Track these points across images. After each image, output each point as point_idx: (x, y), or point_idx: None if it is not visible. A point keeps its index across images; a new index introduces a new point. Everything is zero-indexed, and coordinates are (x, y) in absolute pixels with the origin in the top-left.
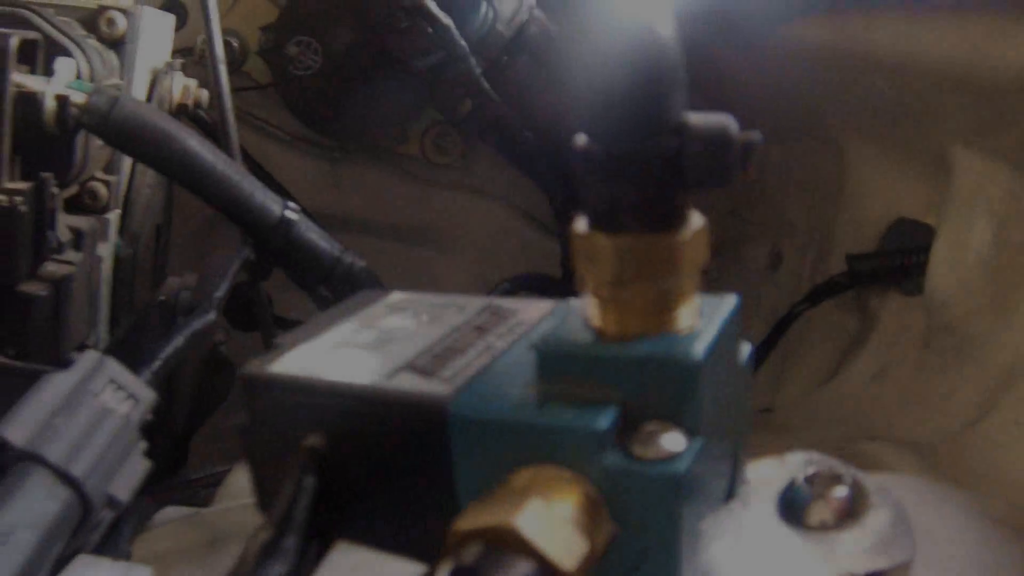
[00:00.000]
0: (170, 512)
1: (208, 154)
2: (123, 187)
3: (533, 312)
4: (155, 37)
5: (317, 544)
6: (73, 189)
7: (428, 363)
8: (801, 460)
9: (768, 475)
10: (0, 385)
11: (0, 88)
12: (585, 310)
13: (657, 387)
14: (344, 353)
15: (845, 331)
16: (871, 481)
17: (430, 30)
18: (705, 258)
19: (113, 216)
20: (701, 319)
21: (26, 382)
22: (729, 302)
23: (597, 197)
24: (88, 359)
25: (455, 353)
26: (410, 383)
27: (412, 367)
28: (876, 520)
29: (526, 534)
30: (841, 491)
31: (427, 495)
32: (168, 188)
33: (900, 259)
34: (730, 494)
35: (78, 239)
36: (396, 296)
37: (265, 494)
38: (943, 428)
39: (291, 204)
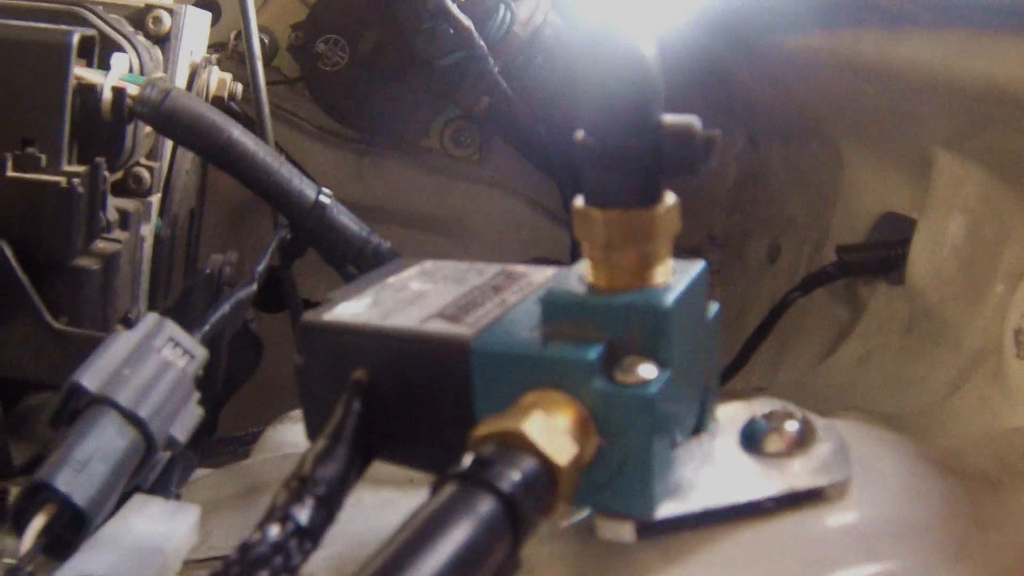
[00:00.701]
0: (201, 473)
1: (250, 142)
2: (163, 172)
3: (540, 275)
4: (195, 33)
5: (360, 459)
6: (119, 174)
7: (454, 312)
8: (762, 402)
9: (733, 414)
10: (57, 347)
11: (62, 80)
12: (582, 270)
13: (635, 328)
14: (385, 305)
15: (837, 318)
16: (819, 420)
17: (452, 31)
18: (677, 228)
19: (155, 199)
20: (673, 277)
21: (78, 346)
22: (698, 265)
23: (592, 180)
24: (150, 320)
25: (476, 305)
26: (439, 326)
27: (441, 315)
28: (820, 449)
29: (530, 436)
30: (792, 425)
31: (452, 416)
32: (202, 174)
33: (885, 251)
34: (700, 428)
35: (124, 220)
36: (428, 263)
37: (314, 426)
38: (919, 406)
39: (325, 189)
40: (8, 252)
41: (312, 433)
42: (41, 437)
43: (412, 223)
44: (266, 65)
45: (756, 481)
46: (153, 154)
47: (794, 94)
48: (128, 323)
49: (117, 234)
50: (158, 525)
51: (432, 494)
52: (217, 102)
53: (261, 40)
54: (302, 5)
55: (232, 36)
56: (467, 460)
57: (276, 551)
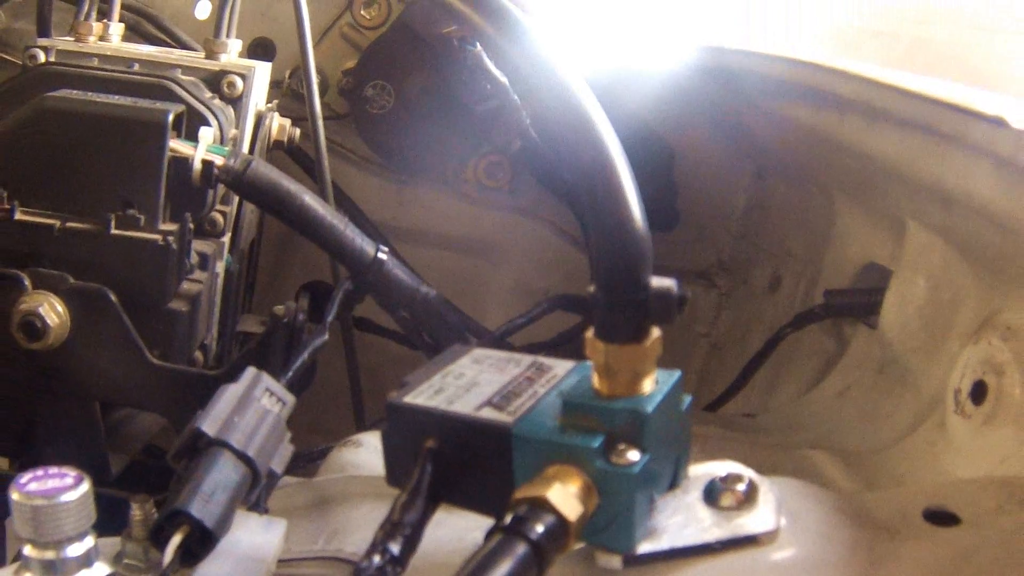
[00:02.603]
0: None
1: (319, 207)
2: (233, 214)
3: (561, 369)
4: (259, 86)
5: (432, 505)
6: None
7: (499, 402)
8: (721, 465)
9: (699, 473)
10: (152, 378)
11: (160, 152)
12: (590, 377)
13: (626, 425)
14: (448, 391)
15: (824, 351)
16: (764, 481)
17: (488, 87)
18: (659, 354)
19: (226, 239)
20: (656, 386)
21: (169, 377)
22: (675, 375)
23: (599, 320)
24: (250, 374)
25: (515, 396)
26: (489, 414)
27: (490, 403)
28: (761, 505)
29: (552, 501)
30: (742, 486)
31: (497, 475)
32: (261, 212)
33: (866, 297)
34: (674, 483)
35: (203, 261)
36: (477, 352)
37: (394, 474)
38: (881, 442)
39: (382, 247)
40: (113, 298)
41: (391, 479)
42: (127, 450)
43: (447, 246)
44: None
45: (711, 527)
46: (225, 199)
47: (791, 145)
48: (205, 349)
49: (198, 275)
50: (257, 537)
51: (486, 540)
52: (278, 145)
53: None
54: (350, 46)
55: (287, 75)
56: (508, 517)
57: (379, 573)
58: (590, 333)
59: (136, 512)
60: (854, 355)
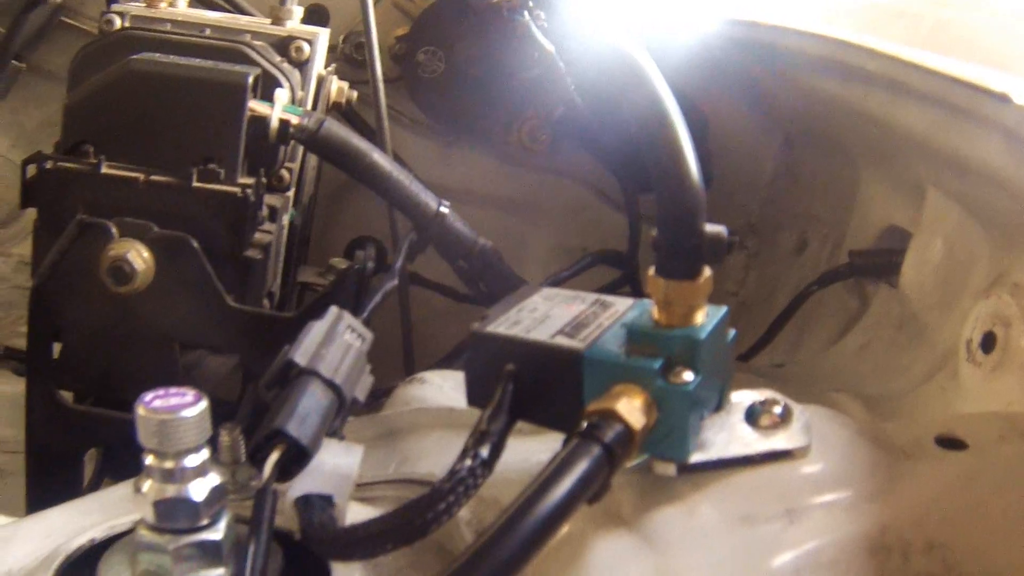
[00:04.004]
0: None
1: (387, 164)
2: (296, 171)
3: (622, 305)
4: (322, 52)
5: (512, 420)
6: None
7: (570, 331)
8: (760, 392)
9: (741, 399)
10: (230, 321)
11: (240, 112)
12: (649, 307)
13: (682, 350)
14: (524, 323)
15: (847, 309)
16: (796, 406)
17: (535, 54)
18: (710, 289)
19: (291, 193)
20: (706, 319)
21: (244, 319)
22: (722, 310)
23: (660, 260)
24: (333, 312)
25: (584, 326)
26: (562, 341)
27: (562, 332)
28: (794, 426)
29: (620, 411)
30: (778, 409)
31: (568, 395)
32: (319, 168)
33: (887, 258)
34: (719, 407)
35: (272, 213)
36: (546, 290)
37: (474, 396)
38: (898, 391)
39: (444, 201)
40: (195, 245)
41: (471, 400)
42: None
43: (490, 205)
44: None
45: (751, 443)
46: (291, 156)
47: (819, 115)
48: (271, 297)
49: (268, 226)
50: (340, 458)
51: (564, 444)
52: (336, 107)
53: (362, 43)
54: (400, 14)
55: (340, 40)
56: (583, 425)
57: (470, 474)
58: (651, 271)
59: (224, 438)
60: (875, 312)
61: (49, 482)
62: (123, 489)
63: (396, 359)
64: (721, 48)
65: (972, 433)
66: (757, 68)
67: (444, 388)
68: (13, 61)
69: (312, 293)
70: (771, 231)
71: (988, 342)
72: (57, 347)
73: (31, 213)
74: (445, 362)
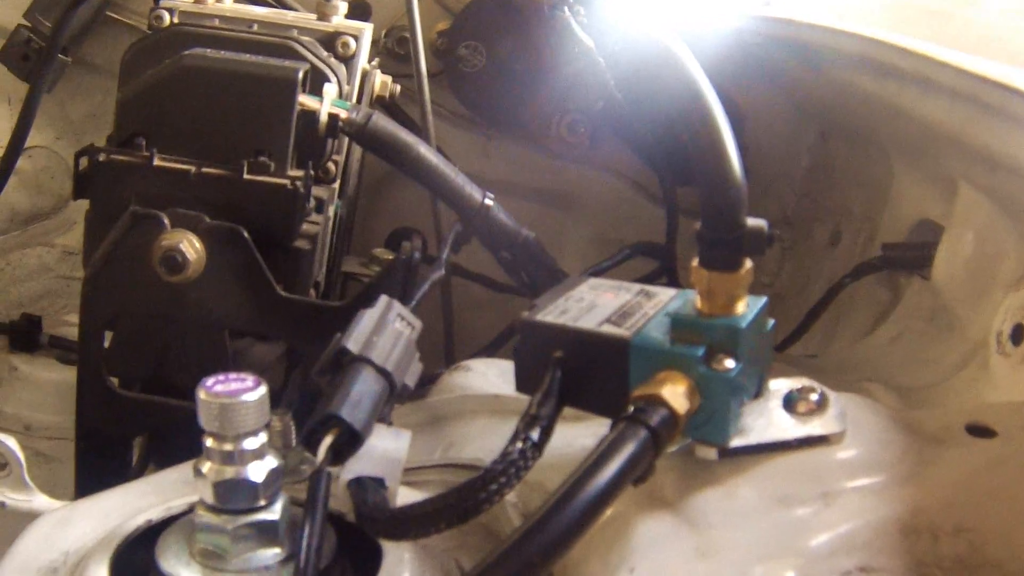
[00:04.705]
0: None
1: (433, 157)
2: (343, 163)
3: (665, 295)
4: (366, 47)
5: (560, 405)
6: None
7: (617, 319)
8: (799, 379)
9: (779, 386)
10: (279, 310)
11: (291, 106)
12: (693, 298)
13: (724, 339)
14: (571, 312)
15: (880, 301)
16: (832, 393)
17: (575, 49)
18: (751, 280)
19: (336, 185)
20: (747, 309)
21: (293, 308)
22: (762, 300)
23: (704, 252)
24: (384, 301)
25: (629, 315)
26: (609, 329)
27: (608, 320)
28: (830, 412)
29: (665, 396)
30: (814, 396)
31: (614, 382)
32: (362, 161)
33: (919, 251)
34: (759, 394)
35: (320, 205)
36: (592, 280)
37: (522, 382)
38: (929, 381)
39: (489, 194)
40: (246, 235)
41: (520, 387)
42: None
43: (530, 197)
44: (410, 60)
45: (789, 428)
46: (337, 149)
47: (854, 111)
48: (317, 286)
49: (315, 217)
50: (389, 443)
51: (613, 427)
52: (380, 101)
53: (405, 38)
54: (441, 9)
55: (383, 34)
56: (630, 409)
57: (521, 456)
58: (695, 262)
59: (275, 423)
60: (907, 304)
61: (98, 467)
62: (178, 472)
63: (437, 348)
64: (756, 44)
65: (1001, 421)
66: (792, 65)
67: (488, 376)
68: (60, 55)
69: (355, 282)
70: (806, 224)
71: (1018, 333)
72: (107, 335)
73: (75, 204)
74: (488, 350)
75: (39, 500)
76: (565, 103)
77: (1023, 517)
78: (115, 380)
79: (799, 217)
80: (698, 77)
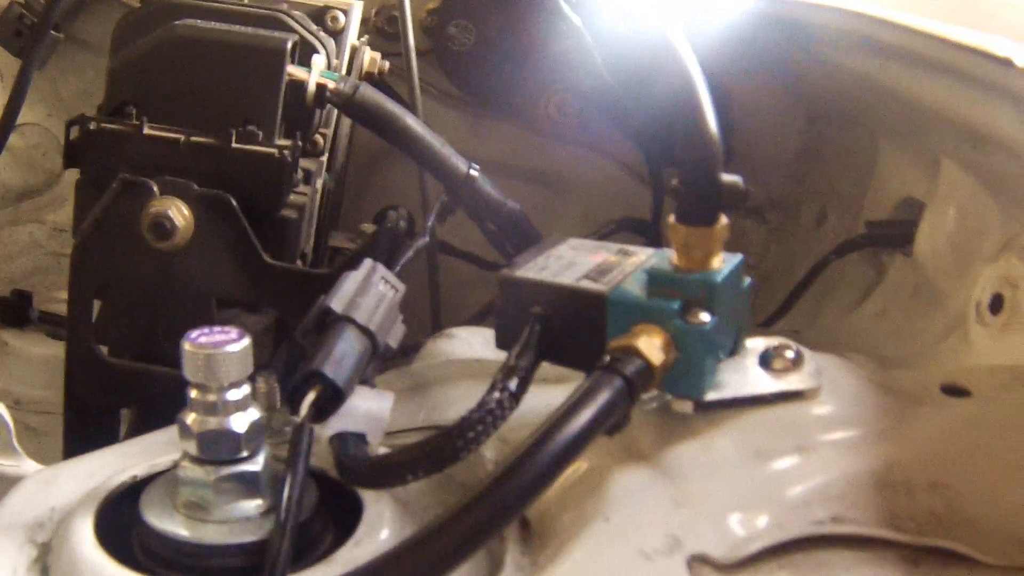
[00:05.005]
0: None
1: (419, 127)
2: (331, 136)
3: (643, 255)
4: (356, 22)
5: (537, 359)
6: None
7: (595, 275)
8: (773, 339)
9: (756, 344)
10: (267, 277)
11: (279, 76)
12: (670, 255)
13: (700, 292)
14: (551, 268)
15: (865, 279)
16: (807, 351)
17: (563, 27)
18: (727, 236)
19: (324, 158)
20: (723, 264)
21: (280, 276)
22: (738, 257)
23: (680, 207)
24: (368, 263)
25: (607, 271)
26: (587, 284)
27: (587, 276)
28: (805, 370)
29: (641, 348)
30: (790, 353)
31: (591, 336)
32: (351, 135)
33: (902, 228)
34: (735, 351)
35: (307, 177)
36: (573, 240)
37: (503, 340)
38: (913, 353)
39: (474, 164)
40: (234, 203)
41: (500, 343)
42: None
43: (519, 176)
44: (399, 38)
45: (765, 384)
46: (325, 122)
47: (839, 89)
48: (304, 258)
49: (302, 188)
50: (372, 403)
51: (587, 377)
52: (369, 77)
53: (394, 17)
54: None
55: (373, 12)
56: (606, 358)
57: (498, 405)
58: (672, 218)
59: (260, 385)
60: (891, 281)
61: (86, 436)
62: (163, 434)
63: (424, 323)
64: (746, 25)
65: (976, 383)
66: (781, 44)
67: (472, 343)
68: (52, 31)
69: (343, 257)
70: (793, 206)
71: (996, 303)
72: (96, 306)
73: (67, 181)
74: (472, 321)
75: (27, 465)
76: (554, 83)
77: (998, 474)
78: (104, 350)
79: (786, 199)
80: (676, 41)
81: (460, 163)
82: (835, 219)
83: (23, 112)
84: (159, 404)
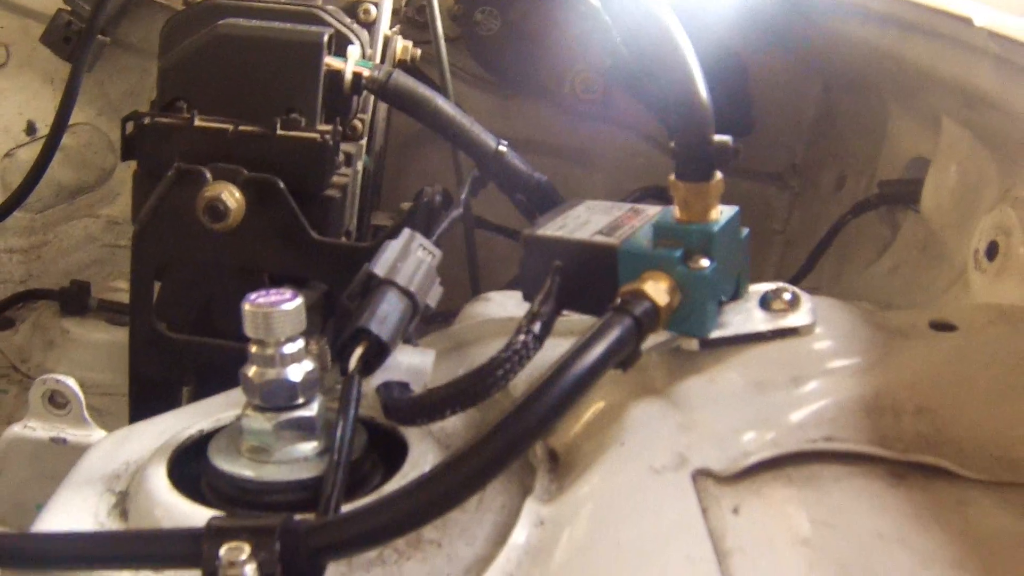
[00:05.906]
0: None
1: (450, 108)
2: (369, 121)
3: (652, 211)
4: (387, 14)
5: (558, 307)
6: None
7: (608, 231)
8: (772, 284)
9: (756, 288)
10: (313, 252)
11: (318, 67)
12: (674, 210)
13: (700, 241)
14: (569, 227)
15: (881, 238)
16: (804, 294)
17: (582, 8)
18: (722, 190)
19: (364, 141)
20: (721, 216)
21: (326, 251)
22: (734, 209)
23: (678, 166)
24: (406, 233)
25: (619, 227)
26: (600, 238)
27: (600, 232)
28: (802, 309)
29: (648, 291)
30: (788, 295)
31: (605, 284)
32: (388, 120)
33: (913, 186)
34: (737, 295)
35: (348, 159)
36: (589, 202)
37: (527, 292)
38: (920, 303)
39: (503, 141)
40: (282, 185)
41: (525, 295)
42: None
43: (548, 153)
44: (430, 27)
45: (764, 322)
46: (363, 108)
47: (848, 57)
48: (349, 235)
49: (344, 170)
50: (415, 359)
51: (600, 318)
52: (401, 65)
53: (423, 6)
54: None
55: (403, 3)
56: (617, 301)
57: (523, 346)
58: (672, 176)
59: (312, 347)
60: (904, 237)
61: (150, 408)
62: (224, 397)
63: (463, 291)
64: (759, 2)
65: (963, 319)
66: (792, 18)
67: (507, 305)
68: (99, 36)
69: (385, 231)
70: (813, 171)
71: (992, 250)
72: (156, 288)
73: (118, 176)
74: (507, 288)
75: (97, 435)
76: (577, 62)
77: (981, 401)
78: (164, 326)
79: (807, 165)
80: (662, 14)
81: (489, 140)
82: (853, 182)
83: (74, 113)
84: (216, 374)
